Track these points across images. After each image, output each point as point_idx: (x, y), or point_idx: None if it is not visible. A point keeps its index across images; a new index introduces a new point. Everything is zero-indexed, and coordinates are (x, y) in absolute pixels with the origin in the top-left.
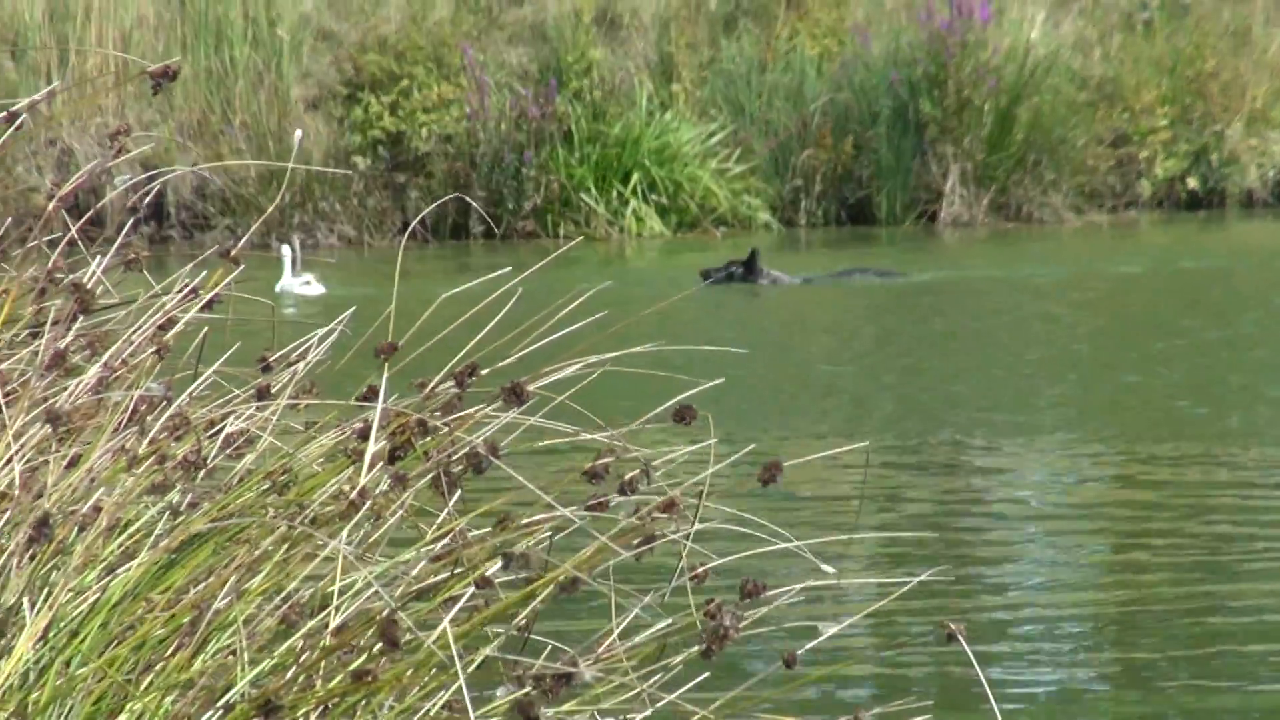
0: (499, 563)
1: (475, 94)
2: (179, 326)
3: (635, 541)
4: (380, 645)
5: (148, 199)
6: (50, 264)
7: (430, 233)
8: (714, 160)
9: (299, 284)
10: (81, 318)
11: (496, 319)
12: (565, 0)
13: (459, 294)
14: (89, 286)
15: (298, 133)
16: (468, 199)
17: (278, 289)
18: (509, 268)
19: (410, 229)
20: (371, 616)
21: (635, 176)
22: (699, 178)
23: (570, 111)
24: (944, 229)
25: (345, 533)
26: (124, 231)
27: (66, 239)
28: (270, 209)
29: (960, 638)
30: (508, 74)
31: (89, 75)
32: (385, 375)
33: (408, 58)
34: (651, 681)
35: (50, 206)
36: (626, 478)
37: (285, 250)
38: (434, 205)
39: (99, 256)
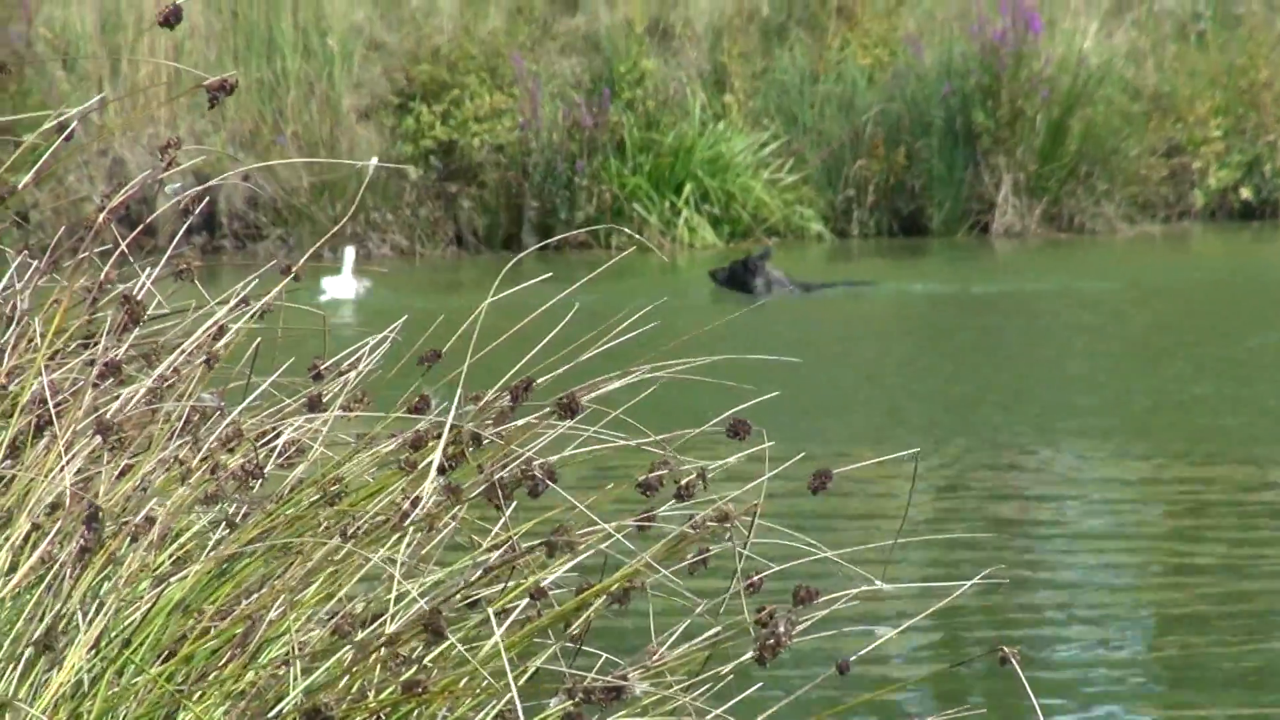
0: (552, 574)
1: (527, 104)
2: (230, 336)
3: (689, 555)
4: (431, 651)
5: (200, 209)
6: (102, 275)
7: (482, 243)
8: (766, 170)
9: (353, 285)
10: (134, 329)
11: (551, 333)
12: (618, 10)
13: (510, 306)
14: (139, 297)
15: (373, 160)
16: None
17: (328, 287)
18: (549, 274)
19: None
20: (415, 622)
21: (688, 187)
22: (751, 188)
23: (623, 121)
24: (996, 239)
25: (401, 546)
26: (175, 242)
27: (119, 251)
28: (342, 219)
29: (1014, 662)
30: (560, 84)
31: (140, 85)
32: (461, 386)
33: (460, 67)
34: (701, 692)
35: (100, 219)
36: (682, 482)
37: (349, 251)
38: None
39: (150, 267)
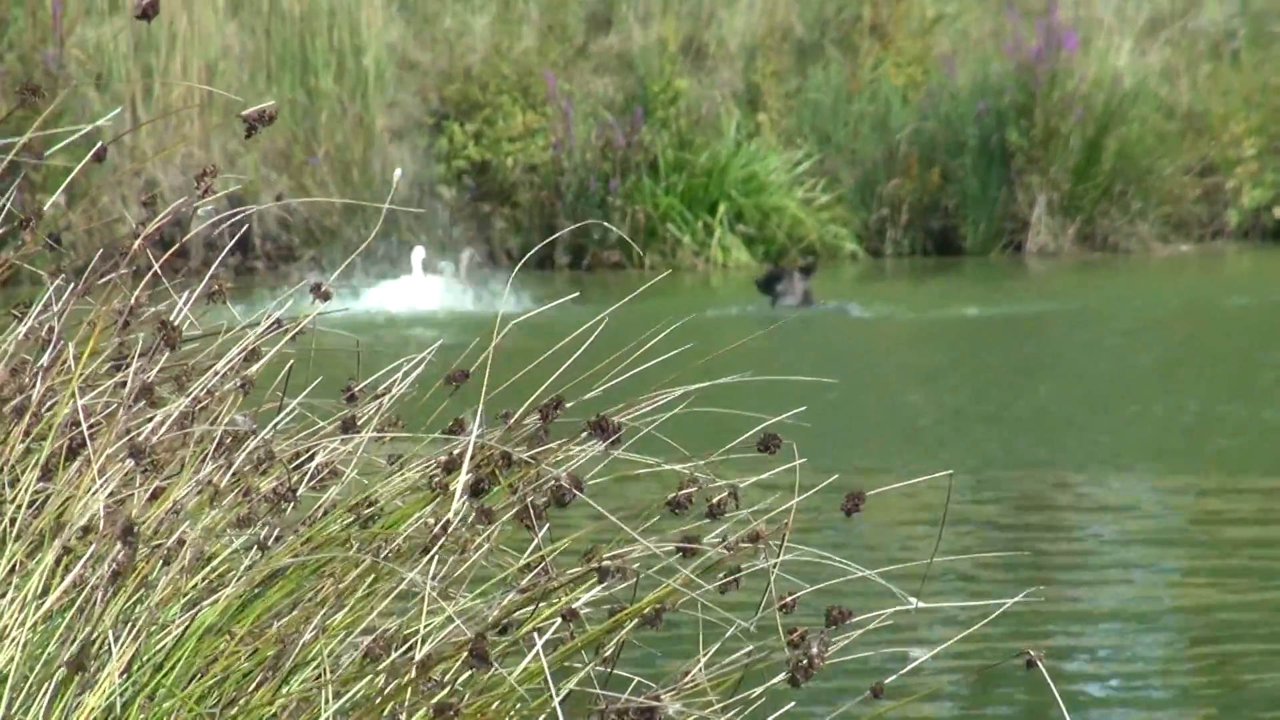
0: (585, 595)
1: (560, 123)
2: (267, 359)
3: (720, 575)
4: (466, 672)
5: (233, 231)
6: (134, 297)
7: (515, 263)
8: (800, 189)
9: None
10: (169, 352)
11: (579, 350)
12: (651, 29)
13: (541, 325)
14: (174, 321)
15: (398, 172)
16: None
17: (394, 292)
18: (576, 294)
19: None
20: (457, 648)
21: (722, 206)
22: (785, 207)
23: (656, 141)
24: (1030, 259)
25: (430, 566)
26: (212, 265)
27: (151, 273)
28: (376, 240)
29: (1040, 664)
30: (593, 103)
31: (174, 107)
32: (479, 406)
33: (492, 87)
34: (734, 714)
35: (135, 245)
36: (714, 500)
37: (417, 252)
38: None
39: (184, 290)
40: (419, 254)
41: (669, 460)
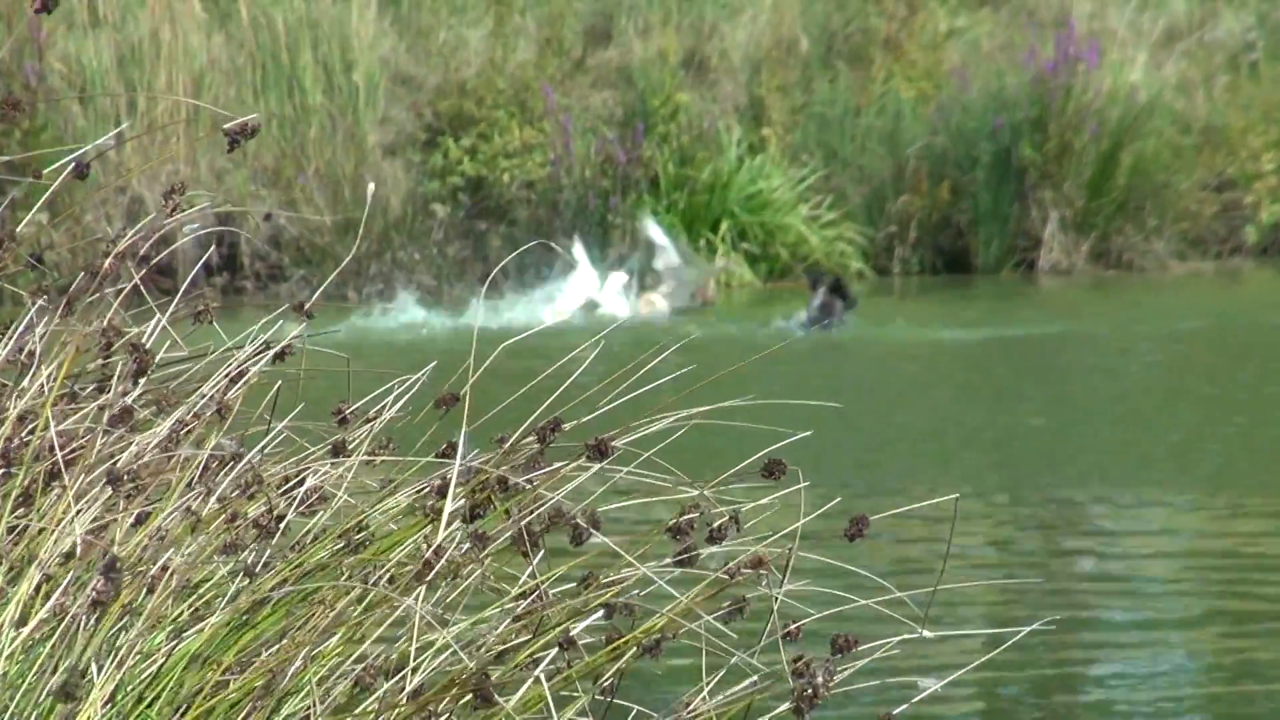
0: (582, 623)
1: (559, 139)
2: (249, 378)
3: (724, 604)
4: (469, 704)
5: (219, 249)
6: (108, 317)
7: (514, 282)
8: (805, 206)
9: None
10: (147, 375)
11: (578, 370)
12: (652, 42)
13: (537, 346)
14: (150, 343)
15: (370, 185)
16: (554, 245)
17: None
18: (569, 317)
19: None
20: (450, 679)
21: (724, 224)
22: (790, 225)
23: (657, 157)
24: (1043, 277)
25: (421, 592)
26: (187, 282)
27: (124, 293)
28: (368, 258)
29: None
30: (592, 118)
31: (159, 121)
32: (464, 429)
33: (488, 102)
34: None
35: (107, 264)
36: (715, 525)
37: (578, 248)
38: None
39: (166, 309)
40: (580, 249)
41: (671, 486)
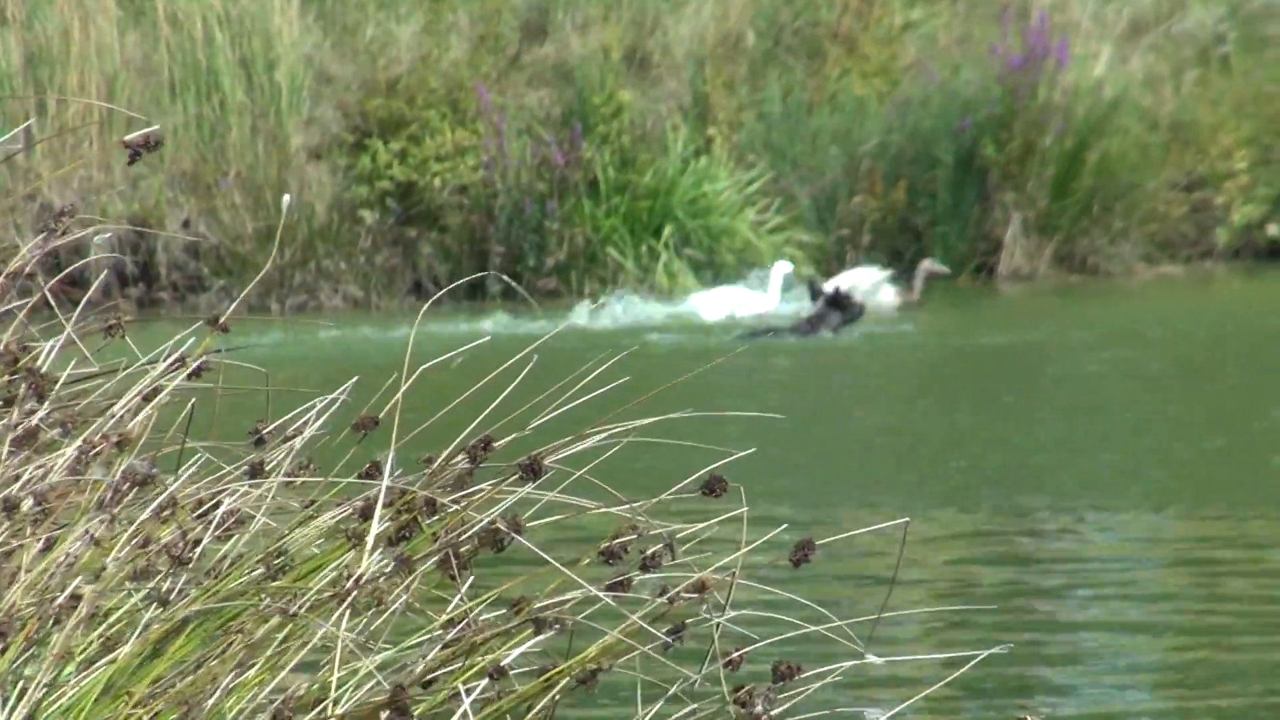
0: (514, 651)
1: (493, 140)
2: (162, 396)
3: (664, 630)
4: None
5: (134, 259)
6: (9, 334)
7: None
8: (752, 210)
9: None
10: (48, 398)
11: (509, 387)
12: (591, 38)
13: (471, 361)
14: (56, 359)
15: (286, 197)
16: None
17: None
18: (488, 337)
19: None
20: (374, 708)
21: (667, 229)
22: (736, 229)
23: (597, 158)
24: (1003, 283)
25: (344, 618)
26: (89, 294)
27: (30, 303)
28: (290, 267)
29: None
30: (528, 118)
31: (70, 124)
32: (392, 448)
33: (419, 102)
34: None
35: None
36: (649, 553)
37: (779, 268)
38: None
39: (77, 322)
40: (780, 269)
41: (606, 505)
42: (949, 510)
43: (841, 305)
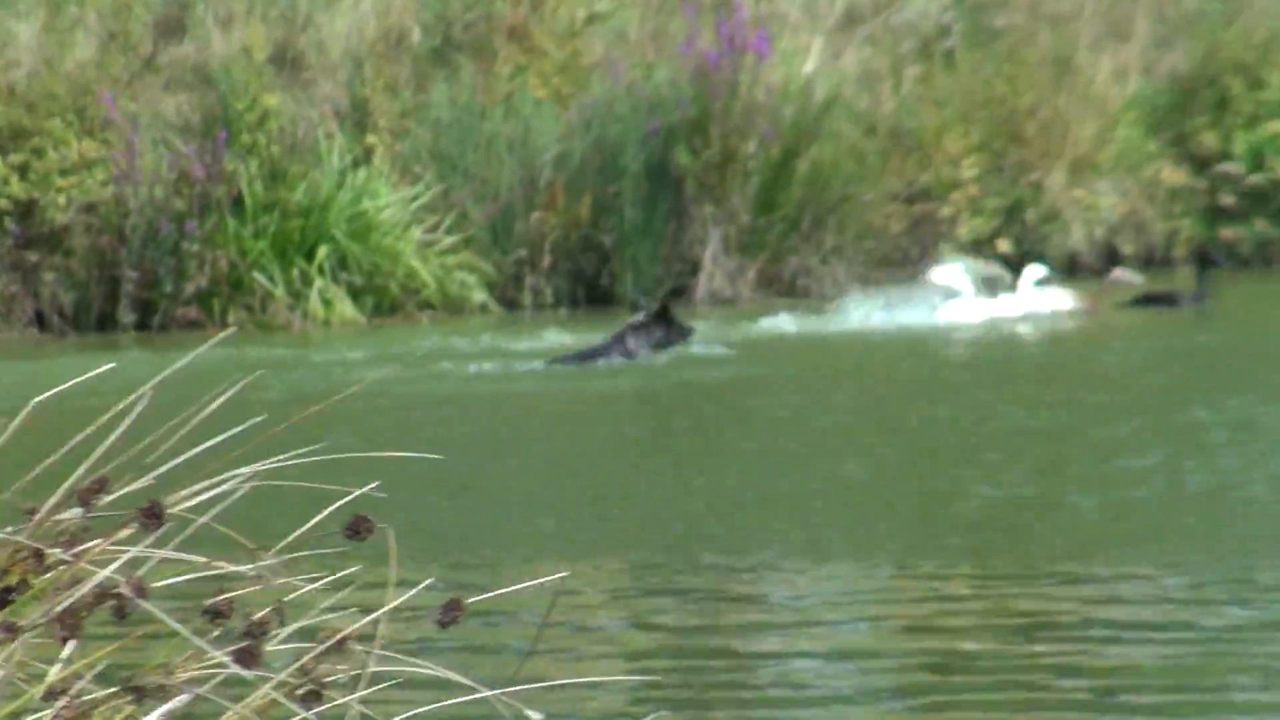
0: None
1: (123, 152)
2: None
3: (299, 692)
4: None
5: None
6: None
7: (70, 324)
8: (419, 229)
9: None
10: None
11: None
12: (233, 36)
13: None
14: None
15: None
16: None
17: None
18: (112, 364)
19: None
20: None
21: (322, 251)
22: (401, 252)
23: (242, 171)
24: (701, 307)
25: None
26: None
27: None
28: None
29: None
30: (164, 127)
31: None
32: None
33: (40, 109)
34: None
35: None
36: (255, 618)
37: (1031, 270)
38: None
39: None
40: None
41: (230, 558)
42: (616, 562)
43: (669, 322)
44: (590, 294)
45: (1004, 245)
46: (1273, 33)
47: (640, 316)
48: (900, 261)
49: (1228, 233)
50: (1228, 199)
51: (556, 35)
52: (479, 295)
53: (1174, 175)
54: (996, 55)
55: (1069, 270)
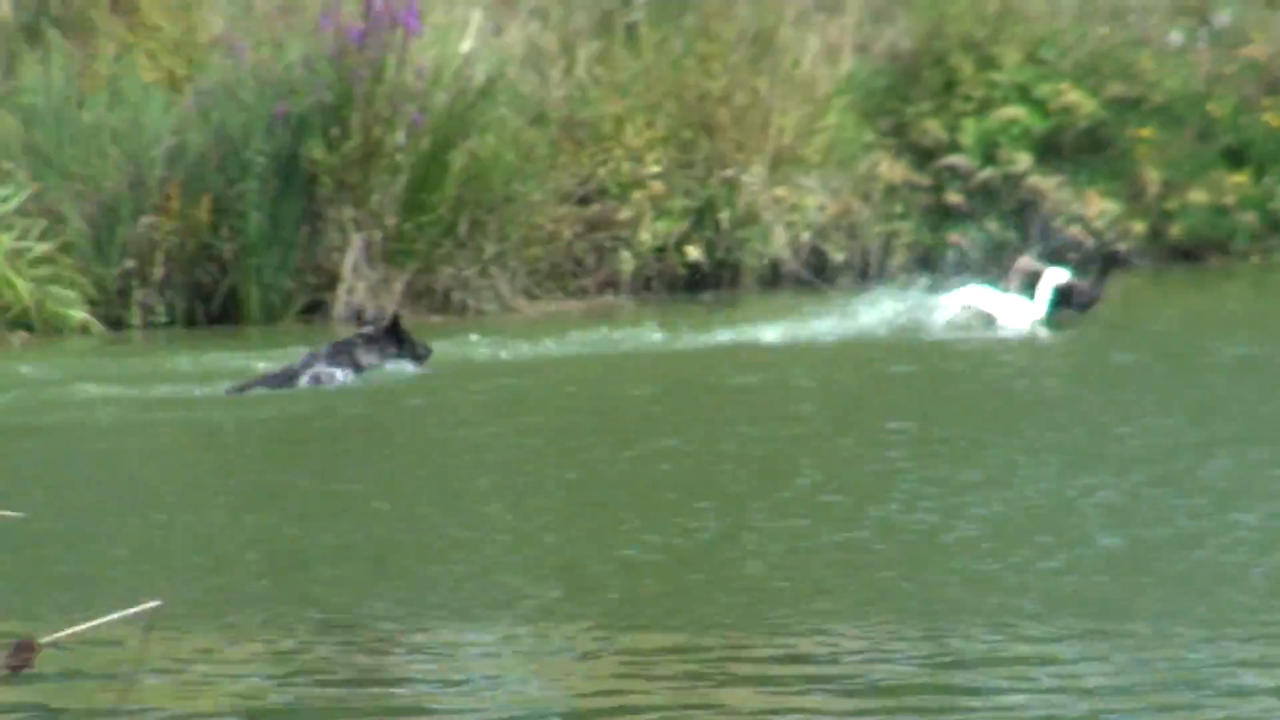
0: None
1: None
2: None
3: None
4: None
5: None
6: None
7: None
8: (8, 236)
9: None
10: None
11: None
12: None
13: None
14: None
15: None
16: None
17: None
18: None
19: None
20: None
21: None
22: None
23: None
24: (341, 326)
25: None
26: None
27: None
28: None
29: None
30: None
31: None
32: None
33: None
34: None
35: None
36: None
37: (1051, 275)
38: None
39: None
40: (1053, 277)
41: None
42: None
43: (401, 338)
44: (210, 312)
45: (694, 252)
46: (1006, 5)
47: (369, 329)
48: (572, 272)
49: (955, 236)
50: (955, 197)
51: (168, 8)
52: (78, 314)
53: (893, 170)
54: (686, 31)
55: (771, 281)
